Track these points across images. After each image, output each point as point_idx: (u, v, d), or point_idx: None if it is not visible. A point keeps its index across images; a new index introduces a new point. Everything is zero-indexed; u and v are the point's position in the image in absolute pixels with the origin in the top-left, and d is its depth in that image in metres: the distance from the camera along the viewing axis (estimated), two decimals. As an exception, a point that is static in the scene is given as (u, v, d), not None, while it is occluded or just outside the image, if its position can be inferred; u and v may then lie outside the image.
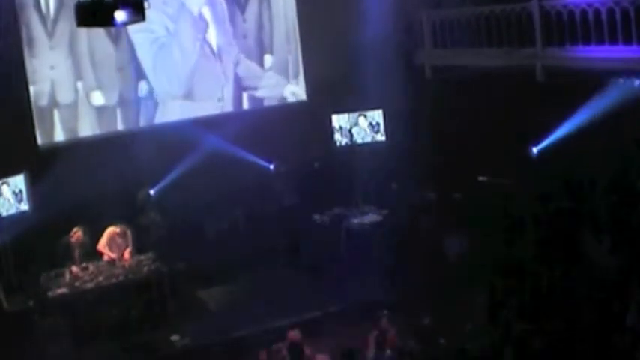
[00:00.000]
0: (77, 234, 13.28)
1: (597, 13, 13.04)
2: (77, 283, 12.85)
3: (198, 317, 13.26)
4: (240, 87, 16.47)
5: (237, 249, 14.66)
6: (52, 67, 14.99)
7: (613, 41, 12.86)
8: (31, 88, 14.80)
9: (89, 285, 12.87)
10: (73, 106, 15.24)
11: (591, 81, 13.04)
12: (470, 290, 11.62)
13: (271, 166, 15.98)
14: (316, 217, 14.89)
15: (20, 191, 13.68)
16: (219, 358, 12.10)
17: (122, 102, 15.55)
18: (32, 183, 13.78)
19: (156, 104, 15.79)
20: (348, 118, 16.02)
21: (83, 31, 14.48)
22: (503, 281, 7.08)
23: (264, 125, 15.64)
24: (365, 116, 16.02)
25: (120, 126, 15.57)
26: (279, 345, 11.32)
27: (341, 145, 16.00)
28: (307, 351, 11.07)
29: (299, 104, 16.78)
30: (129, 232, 13.48)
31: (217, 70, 16.25)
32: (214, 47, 16.22)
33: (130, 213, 14.35)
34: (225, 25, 16.28)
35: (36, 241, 13.48)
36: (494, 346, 7.72)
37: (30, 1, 14.73)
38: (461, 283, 12.12)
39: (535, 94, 14.05)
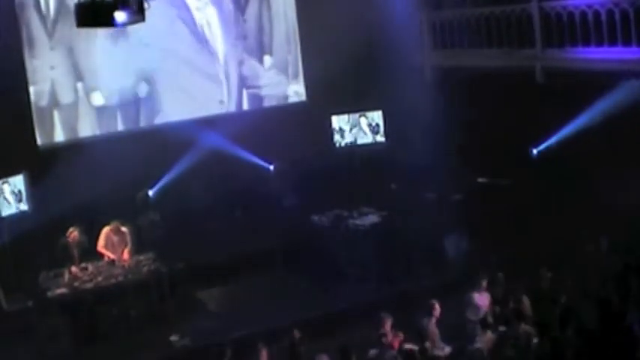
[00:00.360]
0: (73, 234, 13.27)
1: (597, 14, 13.06)
2: (76, 284, 12.84)
3: (198, 317, 13.24)
4: (241, 86, 16.49)
5: (237, 249, 14.66)
6: (52, 68, 15.00)
7: (612, 42, 12.89)
8: (31, 89, 14.82)
9: (88, 285, 12.85)
10: (73, 107, 15.25)
11: (591, 82, 13.06)
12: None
13: (271, 167, 15.98)
14: (316, 217, 14.87)
15: (20, 191, 13.69)
16: (218, 358, 12.07)
17: (122, 102, 15.56)
18: (32, 183, 13.79)
19: (156, 105, 15.79)
20: (348, 118, 16.02)
21: (83, 32, 14.46)
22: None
23: (264, 126, 15.65)
24: (365, 117, 16.02)
25: (120, 126, 15.59)
26: (279, 345, 11.31)
27: (341, 146, 16.00)
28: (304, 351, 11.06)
29: (299, 105, 16.80)
30: (124, 229, 13.44)
31: (217, 71, 16.26)
32: (215, 48, 16.22)
33: (129, 213, 14.34)
34: (226, 26, 16.28)
35: (35, 241, 13.47)
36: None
37: (30, 1, 14.76)
38: (461, 283, 12.12)
39: (535, 94, 14.07)
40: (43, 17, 14.87)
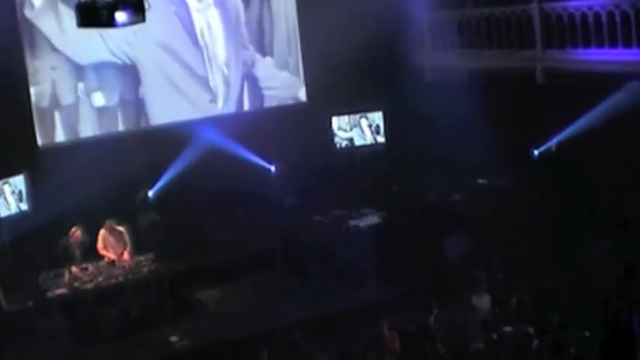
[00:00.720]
0: (76, 233, 13.28)
1: (597, 15, 13.08)
2: (76, 284, 12.84)
3: (198, 318, 13.25)
4: (242, 87, 16.47)
5: (237, 250, 14.67)
6: (53, 68, 14.99)
7: (613, 44, 12.90)
8: (32, 89, 14.80)
9: (88, 286, 12.86)
10: (74, 107, 15.24)
11: (591, 83, 13.07)
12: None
13: (271, 167, 15.98)
14: (316, 218, 14.88)
15: (20, 191, 13.67)
16: (218, 359, 12.09)
17: (123, 103, 15.55)
18: (32, 183, 13.78)
19: (156, 106, 15.79)
20: (348, 119, 16.02)
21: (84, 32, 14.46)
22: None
23: (265, 126, 15.65)
24: (365, 118, 16.03)
25: (120, 127, 15.58)
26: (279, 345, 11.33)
27: (341, 147, 16.01)
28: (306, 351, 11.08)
29: (299, 106, 16.80)
30: (120, 228, 13.42)
31: (219, 71, 16.26)
32: (216, 49, 16.21)
33: (129, 213, 14.34)
34: (229, 28, 16.28)
35: (35, 241, 13.47)
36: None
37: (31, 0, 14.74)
38: (461, 284, 12.13)
39: (535, 95, 14.08)
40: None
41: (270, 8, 16.69)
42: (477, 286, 11.64)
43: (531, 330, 10.18)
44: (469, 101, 14.48)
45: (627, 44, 12.69)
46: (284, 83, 16.85)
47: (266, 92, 16.67)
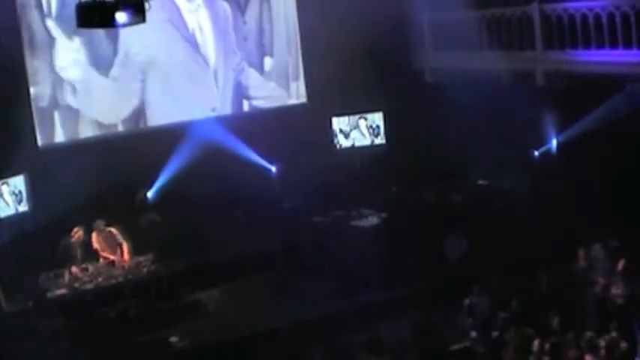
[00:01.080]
0: (78, 234, 13.28)
1: (598, 17, 13.07)
2: (76, 284, 12.84)
3: (198, 318, 13.25)
4: (239, 95, 16.45)
5: (237, 250, 14.66)
6: (52, 69, 14.98)
7: (613, 45, 12.89)
8: (32, 89, 14.80)
9: (88, 286, 12.86)
10: (74, 108, 15.23)
11: (592, 85, 13.07)
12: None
13: (272, 168, 15.99)
14: (316, 219, 14.88)
15: (20, 192, 13.69)
16: (218, 359, 12.08)
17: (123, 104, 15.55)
18: (32, 183, 13.78)
19: (156, 106, 15.78)
20: (349, 120, 16.04)
21: (84, 32, 14.47)
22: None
23: (265, 127, 15.65)
24: (365, 119, 16.04)
25: (120, 128, 15.57)
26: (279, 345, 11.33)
27: (341, 148, 16.01)
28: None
29: (299, 106, 16.78)
30: (110, 229, 13.42)
31: (216, 76, 16.22)
32: (214, 53, 16.17)
33: (129, 214, 14.34)
34: (227, 32, 16.26)
35: (35, 241, 13.46)
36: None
37: (31, 1, 14.73)
38: (461, 284, 12.13)
39: (535, 97, 14.07)
40: (44, 18, 14.85)
41: (270, 9, 16.67)
42: (477, 287, 11.62)
43: (531, 330, 10.18)
44: (469, 102, 14.47)
45: (627, 45, 12.68)
46: (272, 94, 16.75)
47: (253, 102, 16.60)
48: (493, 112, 14.04)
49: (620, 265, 11.62)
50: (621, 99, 12.70)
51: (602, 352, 9.31)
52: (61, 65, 14.95)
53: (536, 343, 9.73)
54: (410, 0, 15.98)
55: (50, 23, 14.85)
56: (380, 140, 15.95)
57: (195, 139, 15.04)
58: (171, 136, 15.11)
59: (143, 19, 10.02)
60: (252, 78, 16.52)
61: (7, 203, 13.56)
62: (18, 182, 13.64)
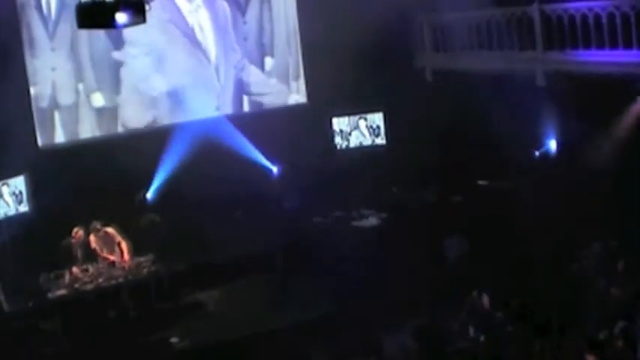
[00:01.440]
0: (79, 234, 13.28)
1: (598, 17, 13.06)
2: (77, 285, 12.86)
3: (198, 319, 13.25)
4: (241, 92, 16.47)
5: (237, 251, 14.66)
6: (53, 69, 15.00)
7: (613, 46, 12.88)
8: (32, 90, 14.81)
9: (89, 287, 12.87)
10: (74, 108, 15.25)
11: (592, 85, 13.07)
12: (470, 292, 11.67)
13: (272, 169, 15.99)
14: (317, 219, 14.88)
15: (20, 192, 13.69)
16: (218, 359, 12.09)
17: (123, 104, 15.55)
18: (32, 184, 13.78)
19: (156, 106, 15.79)
20: (349, 121, 16.05)
21: (84, 33, 14.47)
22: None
23: (265, 128, 15.65)
24: (365, 119, 16.04)
25: (120, 128, 15.58)
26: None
27: (341, 148, 16.01)
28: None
29: (300, 107, 16.78)
30: (106, 229, 13.43)
31: (218, 74, 16.24)
32: (215, 51, 16.19)
33: (129, 214, 14.34)
34: (227, 30, 16.28)
35: (36, 242, 13.47)
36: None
37: (31, 2, 14.74)
38: (461, 285, 12.13)
39: (535, 97, 14.07)
40: (44, 18, 14.86)
41: (270, 9, 16.68)
42: (477, 288, 11.62)
43: (531, 331, 10.18)
44: (469, 103, 14.48)
45: (627, 46, 12.67)
46: (285, 89, 16.80)
47: (267, 98, 16.62)
48: (493, 113, 14.04)
49: (620, 265, 11.64)
50: None
51: (603, 352, 9.31)
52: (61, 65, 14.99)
53: (537, 343, 9.73)
54: (410, 0, 15.98)
55: (50, 23, 14.86)
56: (380, 140, 15.96)
57: (195, 139, 15.03)
58: (171, 136, 15.11)
59: (143, 20, 10.00)
60: (253, 75, 16.53)
61: (7, 204, 13.56)
62: (18, 183, 13.64)
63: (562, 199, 13.50)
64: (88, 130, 15.36)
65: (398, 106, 15.51)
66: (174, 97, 15.82)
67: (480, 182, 15.12)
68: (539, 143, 14.36)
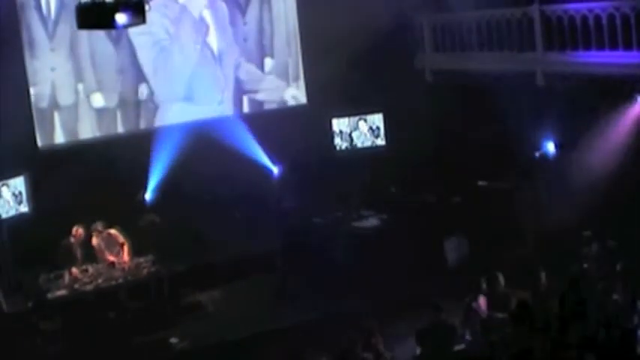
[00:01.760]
0: (79, 232, 13.25)
1: (598, 18, 13.07)
2: (76, 286, 12.84)
3: (197, 320, 13.25)
4: (240, 90, 16.49)
5: (237, 251, 14.67)
6: (52, 69, 15.00)
7: (613, 47, 12.88)
8: (32, 90, 14.81)
9: (88, 287, 12.86)
10: (74, 108, 15.25)
11: (591, 86, 13.07)
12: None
13: (271, 169, 15.99)
14: (316, 220, 14.88)
15: (20, 193, 13.68)
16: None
17: (122, 104, 15.56)
18: (32, 184, 13.78)
19: (156, 107, 15.80)
20: (348, 121, 16.05)
21: (84, 33, 14.48)
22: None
23: (264, 128, 15.66)
24: (365, 120, 16.04)
25: (120, 128, 15.58)
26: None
27: (341, 149, 16.01)
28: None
29: (299, 108, 16.79)
30: (109, 230, 13.42)
31: (218, 73, 16.27)
32: (215, 50, 16.23)
33: (129, 215, 14.34)
34: (226, 29, 16.29)
35: (35, 242, 13.45)
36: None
37: (31, 2, 14.74)
38: (461, 285, 12.13)
39: (535, 98, 14.07)
40: (43, 18, 14.86)
41: (270, 10, 16.69)
42: (476, 289, 11.62)
43: (532, 332, 10.17)
44: (469, 104, 14.48)
45: (627, 47, 12.68)
46: (284, 85, 16.83)
47: (266, 94, 16.64)
48: (493, 113, 14.04)
49: (619, 265, 11.64)
50: None
51: (602, 352, 9.31)
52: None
53: (536, 343, 9.73)
54: (410, 1, 15.99)
55: (50, 24, 14.86)
56: (380, 141, 15.96)
57: (195, 139, 15.03)
58: (171, 136, 15.11)
59: (143, 20, 10.02)
60: (249, 72, 16.53)
61: (7, 203, 13.56)
62: (18, 183, 13.63)
63: (562, 200, 13.50)
64: (88, 130, 15.36)
65: (398, 107, 15.50)
66: (177, 96, 15.83)
67: (480, 183, 15.12)
68: (538, 144, 14.35)
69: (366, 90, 15.56)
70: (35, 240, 13.44)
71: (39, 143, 14.91)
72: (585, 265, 12.35)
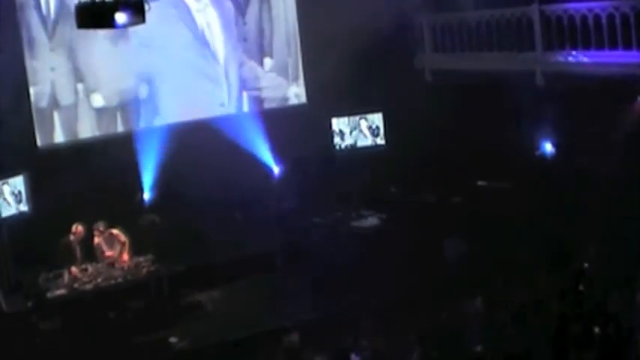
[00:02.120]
0: (78, 229, 13.22)
1: (597, 18, 13.08)
2: (76, 285, 12.84)
3: (197, 319, 13.25)
4: (240, 90, 16.50)
5: (237, 251, 14.66)
6: (52, 69, 15.00)
7: (613, 46, 12.90)
8: (32, 90, 14.82)
9: (88, 287, 12.86)
10: (73, 108, 15.25)
11: (591, 86, 13.07)
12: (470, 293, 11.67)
13: (271, 169, 16.00)
14: (316, 219, 14.88)
15: (20, 192, 13.69)
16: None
17: (122, 104, 15.56)
18: (32, 184, 13.78)
19: (156, 106, 15.80)
20: (348, 121, 16.05)
21: (84, 33, 14.46)
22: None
23: (265, 128, 15.67)
24: (365, 119, 16.04)
25: (120, 128, 15.58)
26: (277, 347, 11.33)
27: (341, 149, 16.01)
28: (305, 355, 11.06)
29: (299, 107, 16.80)
30: (111, 230, 13.42)
31: (218, 73, 16.28)
32: (215, 50, 16.24)
33: (128, 214, 14.34)
34: (226, 28, 16.30)
35: (35, 242, 13.46)
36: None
37: (30, 2, 14.75)
38: (461, 286, 12.13)
39: (535, 98, 14.08)
40: (43, 18, 14.86)
41: (269, 10, 16.69)
42: (476, 289, 11.63)
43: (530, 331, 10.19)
44: (469, 103, 14.48)
45: (627, 46, 12.69)
46: (283, 85, 16.84)
47: (265, 94, 16.65)
48: (493, 113, 14.05)
49: (619, 265, 11.64)
50: None
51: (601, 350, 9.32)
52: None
53: (536, 343, 9.73)
54: (410, 1, 16.00)
55: (49, 24, 14.87)
56: (380, 141, 15.96)
57: (195, 139, 15.04)
58: (171, 136, 15.11)
59: (143, 20, 10.01)
60: (252, 70, 16.56)
61: (8, 203, 13.56)
62: (17, 182, 13.63)
63: (561, 200, 13.51)
64: (88, 129, 15.37)
65: (397, 107, 15.51)
66: (178, 95, 15.84)
67: (480, 183, 15.12)
68: (538, 144, 14.36)
69: (366, 90, 15.57)
70: (35, 239, 13.44)
71: (39, 143, 14.92)
72: (586, 265, 12.34)
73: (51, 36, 14.96)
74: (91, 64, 15.25)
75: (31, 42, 14.80)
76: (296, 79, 16.91)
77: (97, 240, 13.37)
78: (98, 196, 13.92)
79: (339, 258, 13.98)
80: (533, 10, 14.19)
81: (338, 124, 16.08)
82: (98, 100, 15.41)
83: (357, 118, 15.99)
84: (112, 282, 13.00)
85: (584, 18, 13.31)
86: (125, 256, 13.37)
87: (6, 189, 13.55)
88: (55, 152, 14.80)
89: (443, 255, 14.16)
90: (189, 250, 14.23)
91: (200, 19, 16.05)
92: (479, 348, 10.85)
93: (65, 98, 15.16)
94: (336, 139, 16.05)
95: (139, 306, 12.99)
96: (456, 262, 14.00)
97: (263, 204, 15.43)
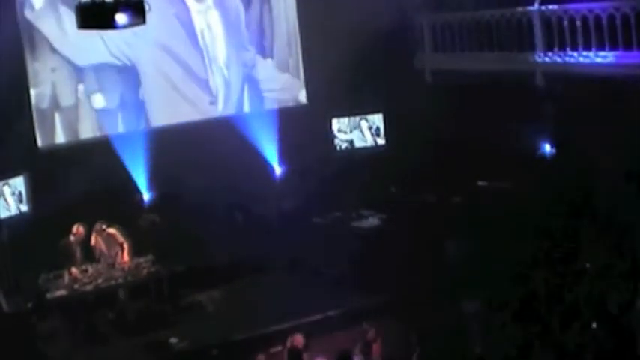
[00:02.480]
0: (79, 230, 13.24)
1: (598, 18, 13.08)
2: (76, 285, 12.85)
3: (197, 320, 13.25)
4: (241, 90, 16.49)
5: (237, 251, 14.66)
6: (53, 70, 15.00)
7: (613, 47, 12.89)
8: (32, 91, 14.81)
9: (88, 287, 12.87)
10: (74, 109, 15.25)
11: (591, 86, 13.07)
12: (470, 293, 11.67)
13: (271, 170, 16.00)
14: (316, 220, 14.88)
15: (20, 192, 13.70)
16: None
17: (123, 105, 15.56)
18: (32, 184, 13.79)
19: (156, 107, 15.80)
20: (349, 122, 16.04)
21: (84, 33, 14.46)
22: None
23: (265, 128, 15.67)
24: (365, 120, 16.04)
25: (120, 128, 15.59)
26: (278, 348, 11.33)
27: (341, 149, 16.01)
28: (306, 356, 11.05)
29: (299, 108, 16.79)
30: (110, 230, 13.42)
31: (218, 73, 16.27)
32: (216, 51, 16.23)
33: (129, 215, 14.35)
34: (226, 29, 16.29)
35: (35, 242, 13.45)
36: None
37: (31, 1, 14.73)
38: (461, 286, 12.13)
39: (535, 98, 14.08)
40: (44, 19, 14.85)
41: (270, 10, 16.69)
42: (476, 289, 11.62)
43: (531, 331, 10.17)
44: (469, 104, 14.47)
45: (627, 47, 12.69)
46: (284, 85, 16.86)
47: (266, 94, 16.67)
48: (493, 113, 14.04)
49: (619, 265, 11.62)
50: None
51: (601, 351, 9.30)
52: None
53: (536, 343, 9.71)
54: (410, 1, 16.00)
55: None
56: (380, 141, 15.96)
57: (195, 139, 15.05)
58: (171, 136, 15.12)
59: (143, 21, 10.04)
60: (264, 71, 16.58)
61: (8, 204, 13.57)
62: (18, 183, 13.65)
63: (561, 199, 13.48)
64: (89, 130, 15.37)
65: (398, 107, 15.51)
66: (178, 96, 15.85)
67: (480, 183, 15.12)
68: (538, 144, 14.35)
69: (366, 90, 15.56)
70: (35, 240, 13.44)
71: (39, 143, 14.91)
72: (587, 265, 12.32)
73: (52, 36, 14.95)
74: (92, 65, 15.24)
75: (32, 43, 14.79)
76: (296, 79, 16.91)
77: (95, 240, 13.37)
78: (98, 197, 13.92)
79: (339, 258, 14.00)
80: (534, 11, 14.20)
81: (338, 124, 16.08)
82: (99, 101, 15.41)
83: (358, 118, 15.99)
84: (112, 282, 13.01)
85: (584, 18, 13.31)
86: (125, 257, 13.38)
87: (6, 189, 13.56)
88: (56, 153, 14.80)
89: (443, 255, 14.15)
90: (189, 250, 14.24)
91: (199, 21, 16.03)
92: (479, 348, 10.86)
93: (66, 99, 15.16)
94: (337, 140, 16.05)
95: (139, 306, 13.01)
96: (456, 262, 13.99)
97: (263, 204, 15.43)
